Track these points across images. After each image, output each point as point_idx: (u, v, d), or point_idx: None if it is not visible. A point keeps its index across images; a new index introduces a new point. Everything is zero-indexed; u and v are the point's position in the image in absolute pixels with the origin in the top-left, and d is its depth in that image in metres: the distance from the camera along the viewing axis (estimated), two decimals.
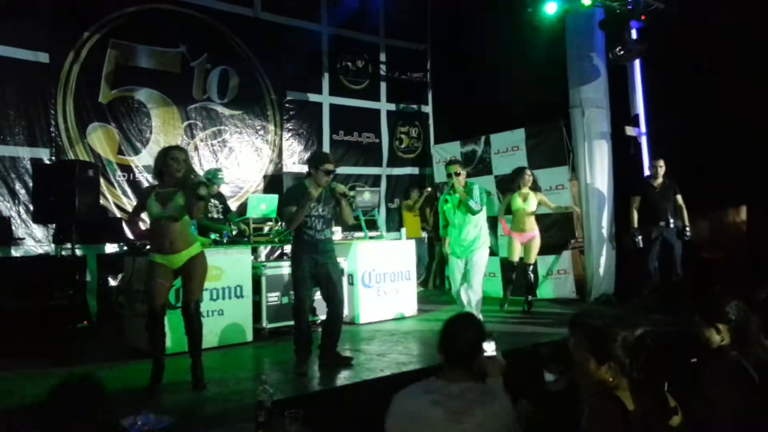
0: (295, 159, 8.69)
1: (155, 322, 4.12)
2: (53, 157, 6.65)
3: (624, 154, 7.67)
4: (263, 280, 5.73)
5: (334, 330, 4.64)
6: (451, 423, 2.04)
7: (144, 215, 4.30)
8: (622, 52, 6.86)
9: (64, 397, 1.78)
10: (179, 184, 4.08)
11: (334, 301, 4.60)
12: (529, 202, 6.81)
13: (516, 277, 6.97)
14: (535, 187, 7.05)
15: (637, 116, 7.91)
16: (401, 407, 2.13)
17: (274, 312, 5.73)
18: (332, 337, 4.62)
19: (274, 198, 6.39)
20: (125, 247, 6.26)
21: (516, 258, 6.87)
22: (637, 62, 7.71)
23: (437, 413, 2.05)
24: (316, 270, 4.53)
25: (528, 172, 7.00)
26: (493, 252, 8.26)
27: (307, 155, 8.69)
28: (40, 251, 6.42)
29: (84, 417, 1.76)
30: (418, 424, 2.08)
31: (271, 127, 8.52)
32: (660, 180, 6.74)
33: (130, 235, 6.62)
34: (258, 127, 8.40)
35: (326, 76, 9.04)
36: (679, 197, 6.71)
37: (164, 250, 4.09)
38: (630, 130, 7.83)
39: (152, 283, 4.09)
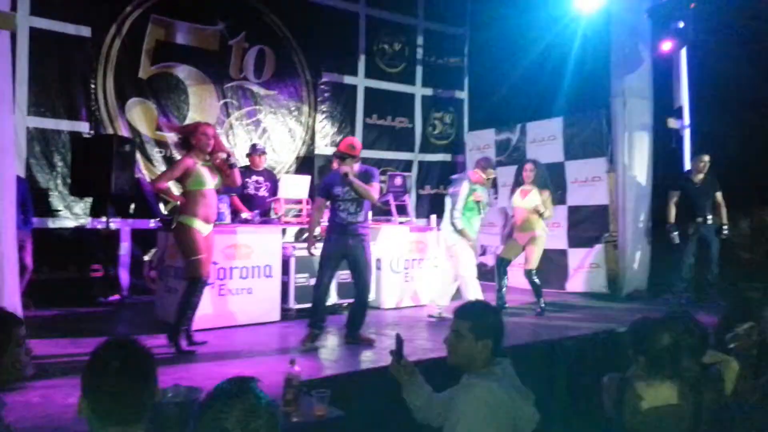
0: (327, 141, 8.66)
1: (201, 291, 4.45)
2: (92, 131, 6.73)
3: (665, 148, 7.46)
4: (292, 260, 5.76)
5: (359, 312, 4.76)
6: None
7: (170, 183, 4.55)
8: (668, 42, 6.66)
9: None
10: (208, 159, 4.43)
11: (359, 285, 4.73)
12: (527, 199, 5.98)
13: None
14: (543, 184, 6.03)
15: (680, 108, 7.66)
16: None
17: (301, 293, 5.76)
18: (357, 318, 4.76)
19: (306, 179, 6.38)
20: (159, 223, 6.35)
21: (510, 256, 6.13)
22: (683, 53, 7.45)
23: None
24: (346, 252, 4.65)
25: (527, 166, 6.09)
26: None
27: (339, 138, 8.69)
28: (77, 224, 6.54)
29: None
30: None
31: (306, 108, 8.50)
32: (701, 176, 6.55)
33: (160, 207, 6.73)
34: (292, 108, 8.38)
35: (362, 58, 8.96)
36: (719, 194, 6.53)
37: (210, 220, 4.42)
38: (673, 123, 7.59)
39: (203, 257, 4.36)
